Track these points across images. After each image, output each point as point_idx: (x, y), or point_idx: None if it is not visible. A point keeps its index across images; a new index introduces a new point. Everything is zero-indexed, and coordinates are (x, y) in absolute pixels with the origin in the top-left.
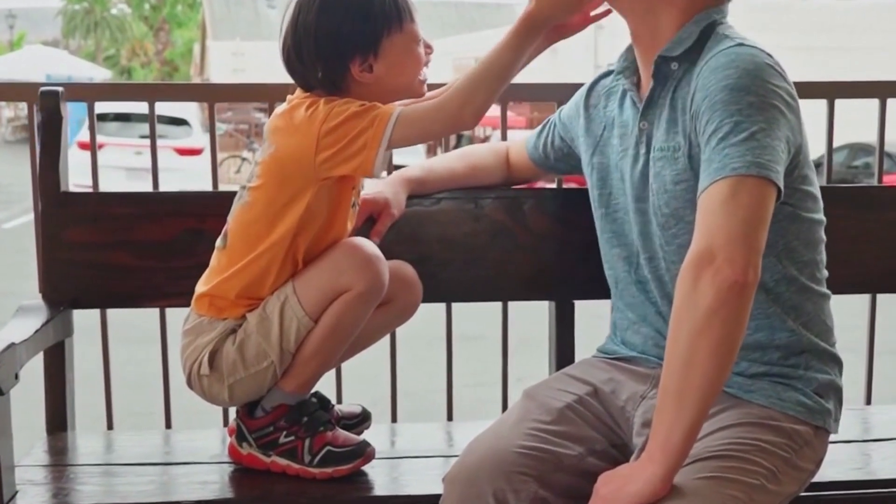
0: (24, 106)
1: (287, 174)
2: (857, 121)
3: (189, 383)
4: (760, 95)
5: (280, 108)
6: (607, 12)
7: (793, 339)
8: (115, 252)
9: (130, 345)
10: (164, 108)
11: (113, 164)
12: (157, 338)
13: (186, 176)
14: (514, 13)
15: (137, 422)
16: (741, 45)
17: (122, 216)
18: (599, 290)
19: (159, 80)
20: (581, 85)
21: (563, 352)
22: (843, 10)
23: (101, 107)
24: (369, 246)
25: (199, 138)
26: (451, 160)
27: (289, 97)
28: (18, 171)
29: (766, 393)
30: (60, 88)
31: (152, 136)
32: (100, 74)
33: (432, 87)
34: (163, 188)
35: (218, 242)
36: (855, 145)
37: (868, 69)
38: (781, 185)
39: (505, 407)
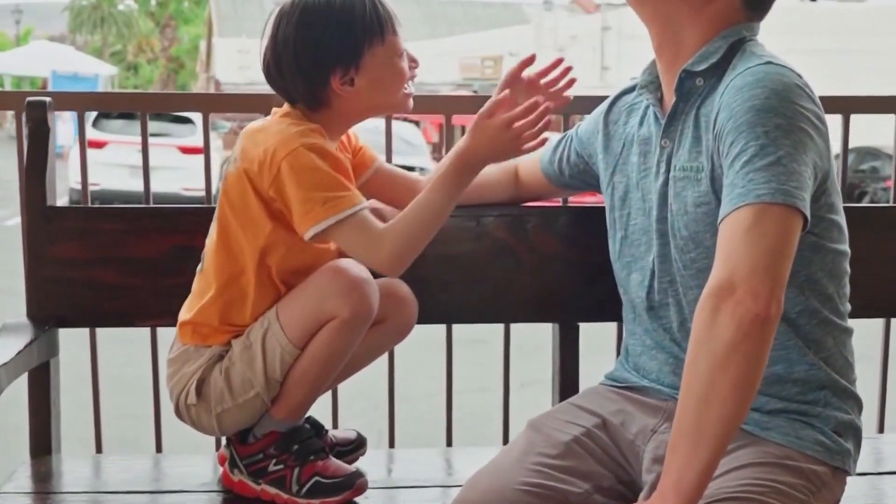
0: None
1: (250, 189)
2: (865, 124)
3: (177, 413)
4: (788, 118)
5: (255, 123)
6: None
7: (811, 374)
8: (102, 269)
9: (129, 346)
10: None
11: (117, 161)
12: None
13: (189, 175)
14: (521, 12)
15: (130, 426)
16: (769, 63)
17: (110, 232)
18: (606, 312)
19: (165, 77)
20: (587, 97)
21: (568, 376)
22: (849, 12)
23: None
24: (355, 268)
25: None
26: None
27: (274, 109)
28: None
29: (783, 431)
30: (48, 98)
31: (144, 147)
32: (105, 70)
33: (427, 95)
34: (166, 187)
35: (199, 266)
36: (862, 149)
37: (874, 72)
38: (808, 213)
39: (507, 421)
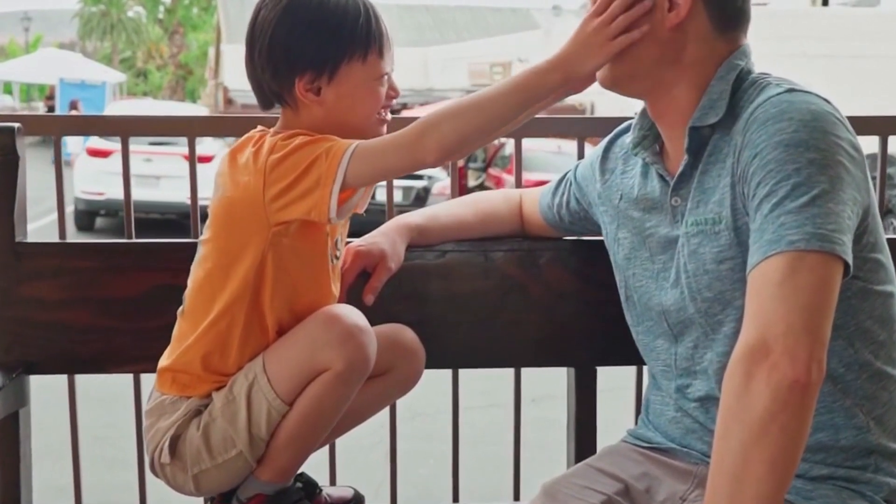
0: (38, 105)
1: (237, 219)
2: None
3: (153, 470)
4: (822, 151)
5: (226, 155)
6: None
7: (860, 439)
8: (76, 310)
9: None
10: (175, 109)
11: (121, 171)
12: None
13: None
14: (530, 18)
15: (115, 456)
16: (792, 90)
17: (86, 270)
18: (625, 355)
19: (174, 83)
20: (604, 118)
21: (584, 426)
22: (864, 17)
23: (113, 107)
24: (351, 315)
25: (210, 145)
26: (457, 207)
27: (249, 134)
28: (29, 175)
29: (829, 501)
30: (17, 124)
31: (125, 172)
32: (113, 77)
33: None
34: (172, 196)
35: (180, 308)
36: (876, 156)
37: (886, 78)
38: (850, 259)
39: (518, 474)
